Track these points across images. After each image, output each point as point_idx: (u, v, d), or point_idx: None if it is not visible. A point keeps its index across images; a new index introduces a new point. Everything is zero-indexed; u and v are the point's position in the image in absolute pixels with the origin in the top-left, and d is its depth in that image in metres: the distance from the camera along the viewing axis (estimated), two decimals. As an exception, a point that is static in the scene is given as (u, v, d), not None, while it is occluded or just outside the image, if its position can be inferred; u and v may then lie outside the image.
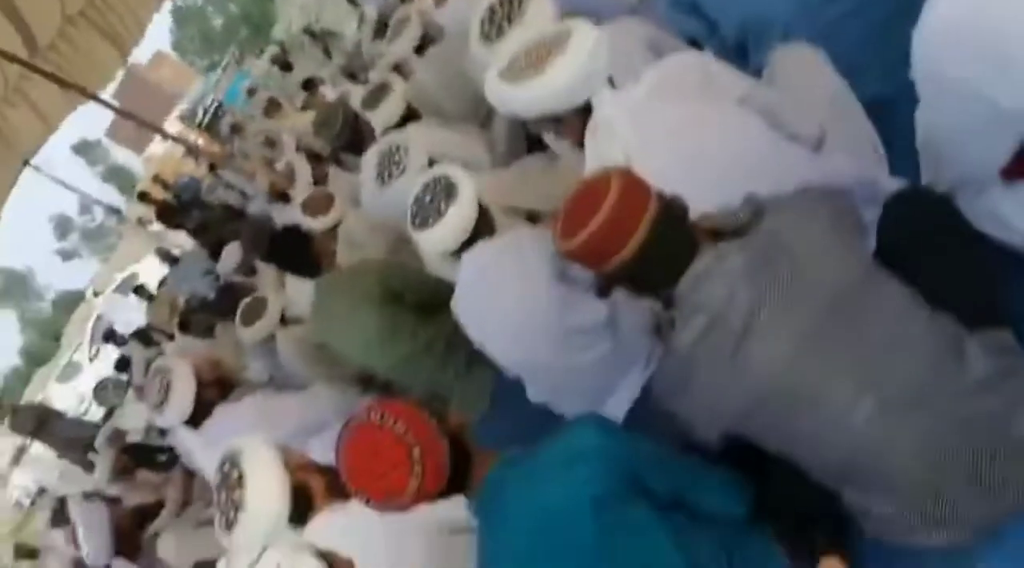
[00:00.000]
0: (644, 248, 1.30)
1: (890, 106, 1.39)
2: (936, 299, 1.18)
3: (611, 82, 1.73)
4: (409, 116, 3.11)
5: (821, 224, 1.26)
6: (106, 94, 9.88)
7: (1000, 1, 1.00)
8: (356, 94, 3.99)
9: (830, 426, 1.17)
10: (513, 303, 1.77)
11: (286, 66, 8.36)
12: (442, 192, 1.93)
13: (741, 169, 1.47)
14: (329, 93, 6.21)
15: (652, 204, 1.32)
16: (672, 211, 1.34)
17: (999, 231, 1.17)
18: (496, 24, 2.01)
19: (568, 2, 2.63)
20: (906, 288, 1.21)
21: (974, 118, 1.08)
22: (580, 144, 1.73)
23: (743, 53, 1.89)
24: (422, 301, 2.50)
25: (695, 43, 2.07)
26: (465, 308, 1.89)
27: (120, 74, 9.33)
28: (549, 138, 1.86)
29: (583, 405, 1.79)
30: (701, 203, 1.43)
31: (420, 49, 3.63)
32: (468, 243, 1.93)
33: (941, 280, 1.21)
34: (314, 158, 4.49)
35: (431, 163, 2.50)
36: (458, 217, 1.91)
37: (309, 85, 6.96)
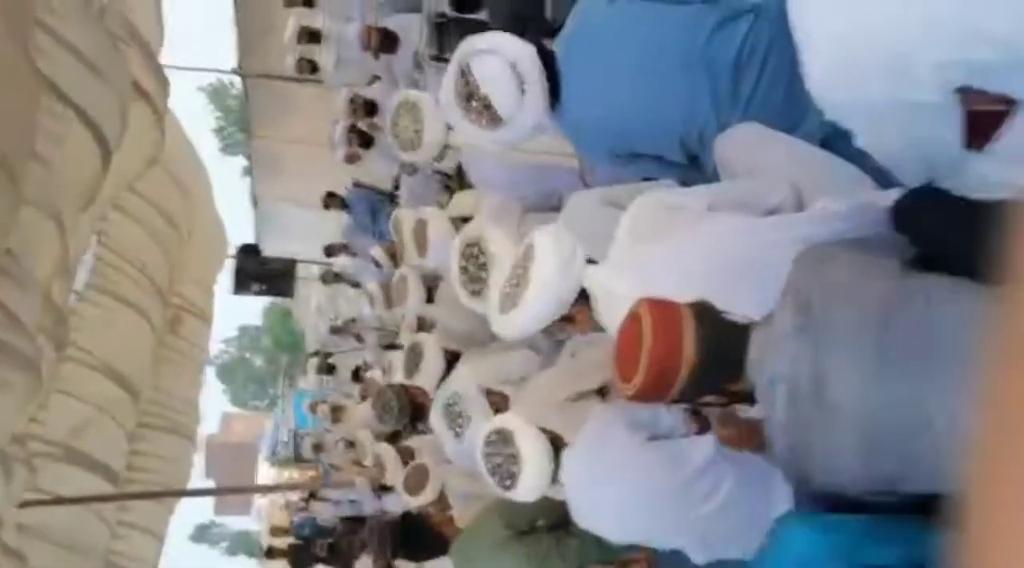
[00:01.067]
0: (700, 350, 1.31)
1: (841, 140, 1.43)
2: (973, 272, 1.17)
3: (592, 262, 1.81)
4: (452, 360, 3.23)
5: (839, 257, 1.28)
6: (196, 474, 10.31)
7: (840, 30, 1.06)
8: (399, 361, 4.16)
9: (945, 439, 1.12)
10: (626, 492, 1.76)
11: (330, 369, 8.77)
12: (506, 449, 2.01)
13: (743, 266, 1.50)
14: (378, 374, 6.44)
15: (684, 311, 1.35)
16: (705, 309, 1.37)
17: (996, 193, 1.17)
18: (473, 278, 2.14)
19: (528, 202, 2.82)
20: (945, 277, 1.21)
21: (901, 124, 1.12)
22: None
23: (695, 161, 1.96)
24: (552, 520, 2.49)
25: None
26: (587, 517, 1.88)
27: (200, 449, 9.81)
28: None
29: (749, 538, 1.72)
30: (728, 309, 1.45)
31: (430, 298, 3.81)
32: (556, 470, 1.97)
33: (973, 257, 1.19)
34: (393, 437, 4.60)
35: (488, 394, 2.57)
36: (532, 469, 2.00)
37: (357, 376, 7.26)
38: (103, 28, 4.50)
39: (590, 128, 2.07)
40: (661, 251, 1.66)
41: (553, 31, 3.94)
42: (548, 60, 2.08)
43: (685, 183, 2.18)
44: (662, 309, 1.33)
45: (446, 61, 5.13)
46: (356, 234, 7.69)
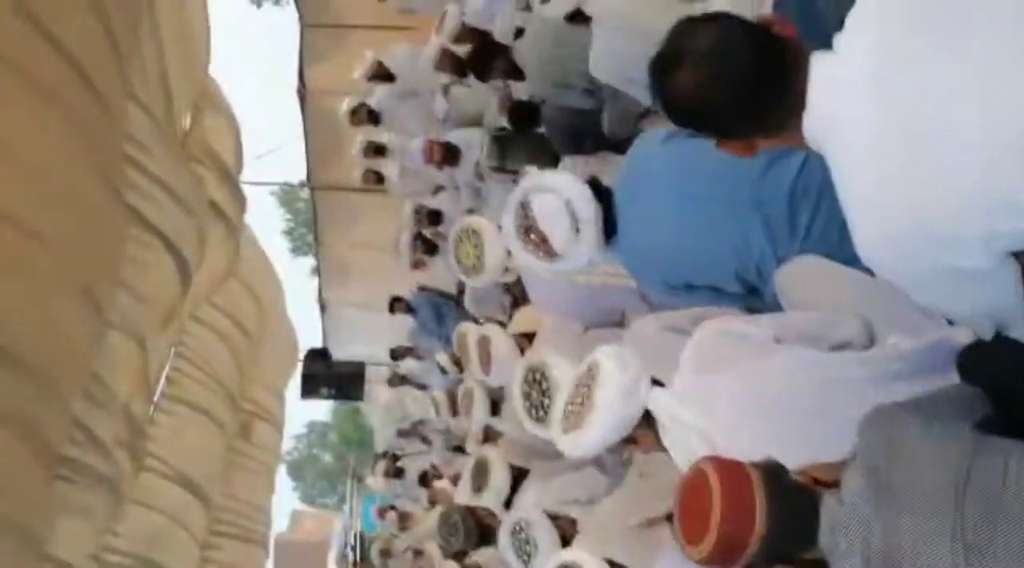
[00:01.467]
0: (771, 523, 1.28)
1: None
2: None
3: (656, 382, 1.81)
4: (519, 476, 3.22)
5: (908, 421, 1.25)
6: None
7: (904, 206, 1.08)
8: (467, 471, 4.16)
9: None
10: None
11: (398, 473, 8.77)
12: None
13: (809, 403, 1.48)
14: (446, 484, 6.43)
15: (754, 475, 1.32)
16: (774, 472, 1.34)
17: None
18: (536, 405, 2.16)
19: (589, 320, 2.85)
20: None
21: (956, 287, 1.12)
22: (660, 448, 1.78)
23: (755, 291, 1.98)
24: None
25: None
26: None
27: (271, 552, 9.82)
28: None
29: None
30: (792, 455, 1.43)
31: (495, 410, 3.83)
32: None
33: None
34: (460, 553, 4.54)
35: (555, 520, 2.56)
36: None
37: (425, 481, 7.26)
38: (185, 156, 4.79)
39: (644, 261, 2.12)
40: (725, 382, 1.66)
41: (609, 145, 4.07)
42: (605, 194, 2.15)
43: (750, 310, 2.20)
44: (731, 475, 1.30)
45: (507, 172, 5.33)
46: (421, 337, 7.79)
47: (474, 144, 5.51)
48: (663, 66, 1.27)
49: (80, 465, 3.30)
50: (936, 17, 1.07)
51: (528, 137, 4.96)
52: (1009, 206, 1.02)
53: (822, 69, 1.18)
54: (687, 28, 1.27)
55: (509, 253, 2.69)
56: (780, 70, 1.21)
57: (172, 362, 6.37)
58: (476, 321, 6.84)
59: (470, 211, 5.61)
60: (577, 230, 2.09)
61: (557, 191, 2.10)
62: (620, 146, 4.05)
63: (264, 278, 7.72)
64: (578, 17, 2.91)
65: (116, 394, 3.79)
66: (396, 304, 7.68)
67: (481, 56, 4.11)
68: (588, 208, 2.08)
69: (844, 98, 1.13)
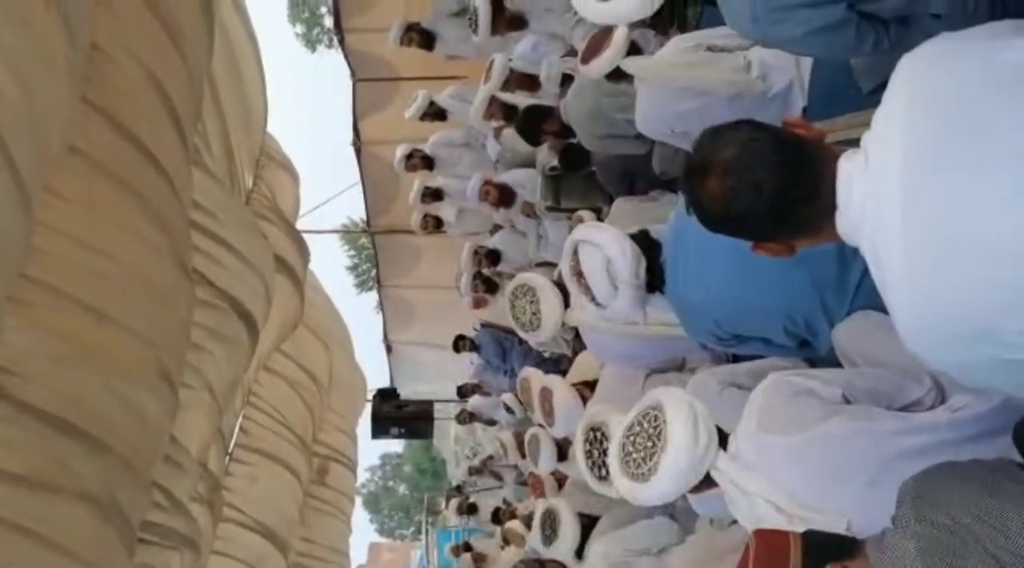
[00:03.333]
0: None
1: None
2: None
3: (721, 434, 1.80)
4: (589, 525, 3.22)
5: (964, 472, 1.23)
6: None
7: (942, 298, 1.09)
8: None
9: None
10: None
11: (471, 509, 8.82)
12: None
13: (869, 475, 1.47)
14: (518, 526, 6.44)
15: (793, 542, 1.35)
16: (815, 543, 1.36)
17: None
18: (598, 463, 2.17)
19: (650, 367, 2.85)
20: None
21: (1000, 377, 1.12)
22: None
23: (806, 344, 1.97)
24: None
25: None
26: None
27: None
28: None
29: None
30: (860, 522, 1.42)
31: (562, 455, 3.84)
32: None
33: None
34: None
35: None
36: None
37: (497, 517, 7.28)
38: (249, 214, 4.94)
39: (692, 312, 2.13)
40: (786, 445, 1.65)
41: (662, 184, 4.07)
42: (652, 247, 2.17)
43: (809, 362, 2.18)
44: (770, 539, 1.33)
45: (562, 210, 5.37)
46: (487, 373, 7.85)
47: (528, 184, 5.58)
48: (691, 177, 1.30)
49: (160, 527, 3.41)
50: (963, 124, 1.08)
51: (580, 176, 5.00)
52: None
53: (851, 169, 1.19)
54: (713, 137, 1.29)
55: (566, 306, 2.73)
56: (807, 174, 1.22)
57: (245, 412, 6.52)
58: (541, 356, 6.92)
59: (537, 265, 5.70)
60: (616, 288, 2.11)
61: (601, 248, 2.14)
62: (672, 184, 4.07)
63: (331, 324, 7.87)
64: (619, 74, 2.94)
65: (192, 453, 3.90)
66: (460, 342, 7.77)
67: (530, 122, 4.18)
68: (627, 270, 2.12)
69: (874, 200, 1.14)
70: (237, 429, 6.42)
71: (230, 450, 6.26)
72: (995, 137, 1.05)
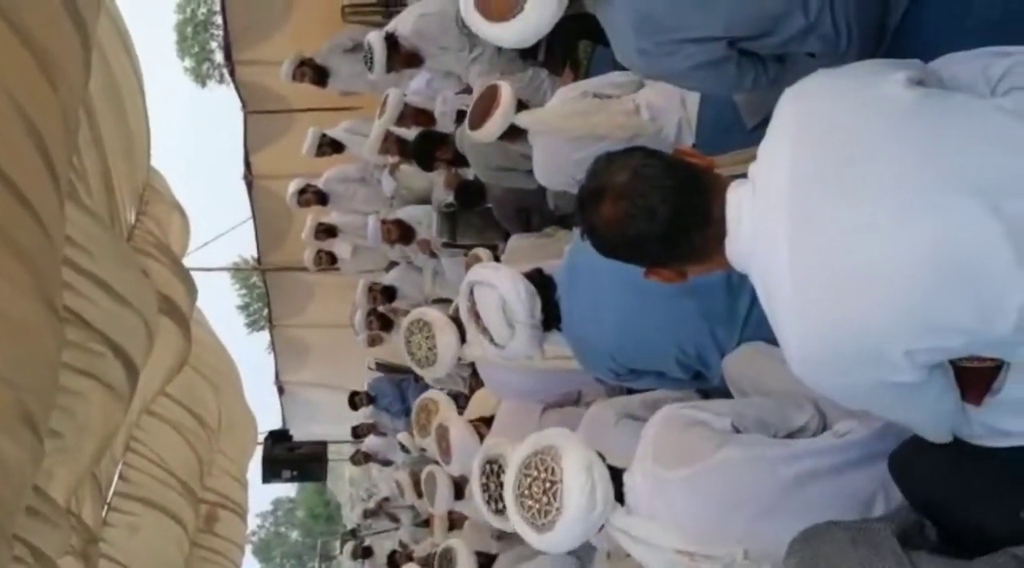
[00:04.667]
0: None
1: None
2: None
3: (615, 471, 1.78)
4: (486, 564, 3.18)
5: (842, 537, 1.25)
6: None
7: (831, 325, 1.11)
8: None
9: None
10: None
11: (367, 553, 8.60)
12: None
13: (771, 500, 1.49)
14: (416, 557, 6.33)
15: None
16: None
17: (1002, 441, 1.17)
18: (494, 497, 2.14)
19: (547, 402, 2.84)
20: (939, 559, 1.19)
21: (889, 399, 1.15)
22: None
23: (700, 376, 2.00)
24: None
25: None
26: None
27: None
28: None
29: None
30: (756, 549, 1.43)
31: (459, 493, 3.78)
32: None
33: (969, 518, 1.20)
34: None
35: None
36: None
37: (392, 561, 7.14)
38: (130, 251, 4.72)
39: (587, 348, 2.14)
40: (682, 477, 1.65)
41: (556, 220, 4.11)
42: (547, 285, 2.17)
43: (703, 393, 2.21)
44: None
45: (458, 247, 5.36)
46: (382, 414, 7.71)
47: (425, 220, 5.55)
48: (586, 202, 1.31)
49: (27, 584, 3.16)
50: (846, 155, 1.12)
51: (476, 213, 5.01)
52: (923, 326, 1.06)
53: (739, 197, 1.21)
54: (606, 163, 1.30)
55: (462, 341, 2.70)
56: (699, 200, 1.25)
57: (126, 459, 6.18)
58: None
59: (433, 301, 5.65)
60: (512, 327, 2.11)
61: (496, 289, 2.13)
62: (567, 220, 4.12)
63: (220, 364, 7.58)
64: (513, 132, 2.96)
65: (60, 504, 3.65)
66: (356, 398, 7.60)
67: (424, 147, 4.16)
68: (522, 310, 2.12)
69: (762, 228, 1.17)
70: (117, 477, 6.08)
71: (108, 499, 5.91)
72: (876, 167, 1.08)
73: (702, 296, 1.86)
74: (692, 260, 1.31)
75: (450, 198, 4.92)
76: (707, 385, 2.07)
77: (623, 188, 1.25)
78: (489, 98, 2.99)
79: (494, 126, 2.95)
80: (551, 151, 2.95)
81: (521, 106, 3.00)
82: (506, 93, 2.94)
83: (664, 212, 1.23)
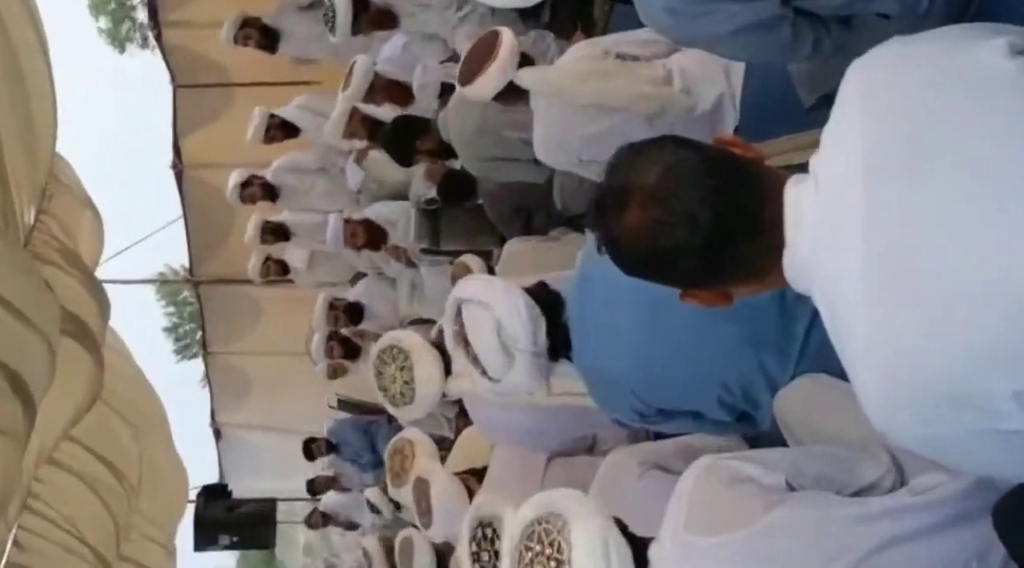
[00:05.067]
0: None
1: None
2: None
3: (640, 543, 1.79)
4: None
5: None
6: None
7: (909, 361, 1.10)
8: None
9: None
10: None
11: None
12: None
13: (831, 562, 1.49)
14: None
15: None
16: None
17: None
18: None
19: (553, 449, 2.86)
20: None
21: (988, 450, 1.14)
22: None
23: (746, 417, 2.00)
24: None
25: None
26: None
27: None
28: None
29: None
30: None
31: (441, 565, 3.77)
32: None
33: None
34: None
35: None
36: None
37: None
38: (28, 259, 4.73)
39: (604, 382, 2.14)
40: (722, 545, 1.65)
41: (564, 221, 4.13)
42: (554, 304, 2.17)
43: (748, 439, 2.21)
44: None
45: (441, 253, 5.37)
46: (347, 465, 7.71)
47: (400, 221, 5.57)
48: (605, 207, 1.29)
49: None
50: (932, 137, 1.11)
51: (464, 211, 5.03)
52: None
53: (799, 197, 1.21)
54: (631, 157, 1.30)
55: (447, 374, 2.70)
56: (747, 202, 1.24)
57: (21, 520, 6.17)
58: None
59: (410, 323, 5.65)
60: (510, 356, 2.11)
61: (489, 308, 2.13)
62: (578, 221, 4.13)
63: (141, 401, 7.57)
64: (512, 91, 2.96)
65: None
66: (312, 446, 7.58)
67: (400, 136, 4.17)
68: (522, 335, 2.10)
69: (828, 234, 1.17)
70: (10, 543, 6.06)
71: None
72: (974, 156, 1.08)
73: (749, 318, 1.85)
74: (740, 279, 1.30)
75: (432, 192, 4.94)
76: (754, 429, 2.06)
77: (653, 189, 1.24)
78: (486, 47, 2.99)
79: (489, 82, 2.96)
80: (555, 120, 2.95)
81: (525, 61, 3.00)
82: (507, 41, 2.94)
83: (705, 219, 1.22)
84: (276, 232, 6.56)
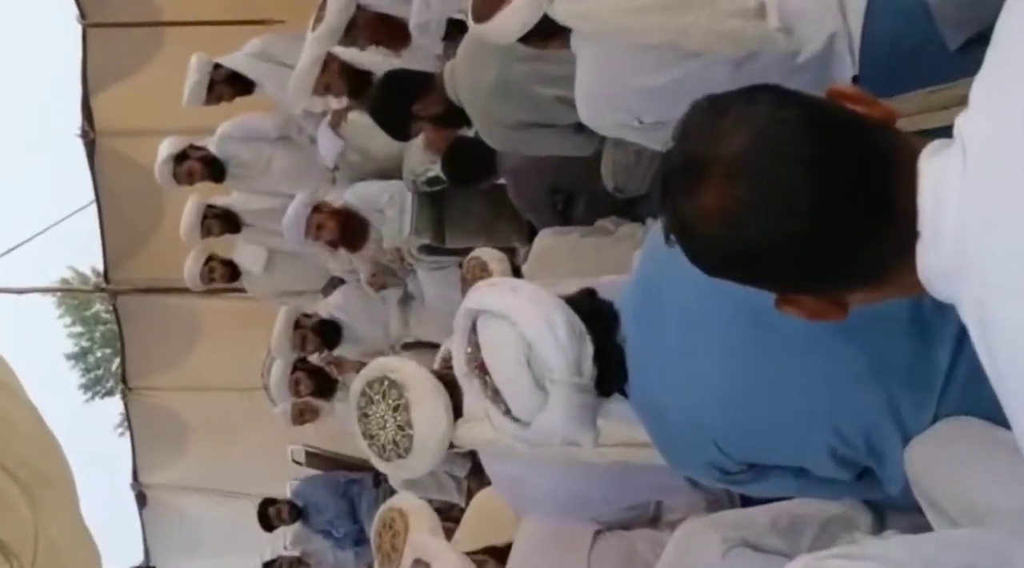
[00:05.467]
0: None
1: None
2: None
3: None
4: None
5: None
6: None
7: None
8: None
9: None
10: None
11: None
12: None
13: None
14: None
15: None
16: None
17: None
18: None
19: (604, 521, 2.87)
20: None
21: None
22: None
23: (867, 474, 2.00)
24: None
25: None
26: None
27: None
28: None
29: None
30: None
31: None
32: None
33: None
34: None
35: None
36: None
37: None
38: None
39: (676, 429, 2.13)
40: None
41: (617, 207, 4.14)
42: (606, 319, 2.17)
43: (872, 508, 2.22)
44: None
45: (448, 253, 5.37)
46: (317, 539, 7.73)
47: (389, 208, 5.58)
48: (676, 181, 1.32)
49: None
50: None
51: (479, 194, 5.04)
52: None
53: (940, 171, 1.22)
54: (712, 113, 1.31)
55: (456, 415, 2.72)
56: (869, 178, 1.25)
57: None
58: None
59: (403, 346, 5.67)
60: (542, 389, 2.10)
61: (514, 323, 2.11)
62: (636, 207, 4.14)
63: (37, 458, 7.61)
64: (545, 29, 2.96)
65: None
66: (271, 509, 7.56)
67: (393, 97, 4.17)
68: (561, 360, 2.07)
69: (978, 222, 1.17)
70: None
71: None
72: None
73: (874, 339, 1.84)
74: (855, 282, 1.32)
75: (435, 169, 4.95)
76: (879, 493, 2.06)
77: (739, 160, 1.26)
78: None
79: (514, 17, 2.96)
80: (606, 69, 2.96)
81: None
82: None
83: (806, 202, 1.23)
84: (222, 221, 6.59)
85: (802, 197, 1.24)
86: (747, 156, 1.26)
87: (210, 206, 6.61)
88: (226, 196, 6.74)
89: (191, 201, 6.64)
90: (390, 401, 2.73)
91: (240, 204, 6.66)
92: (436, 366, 3.80)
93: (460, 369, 2.30)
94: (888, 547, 1.78)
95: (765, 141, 1.26)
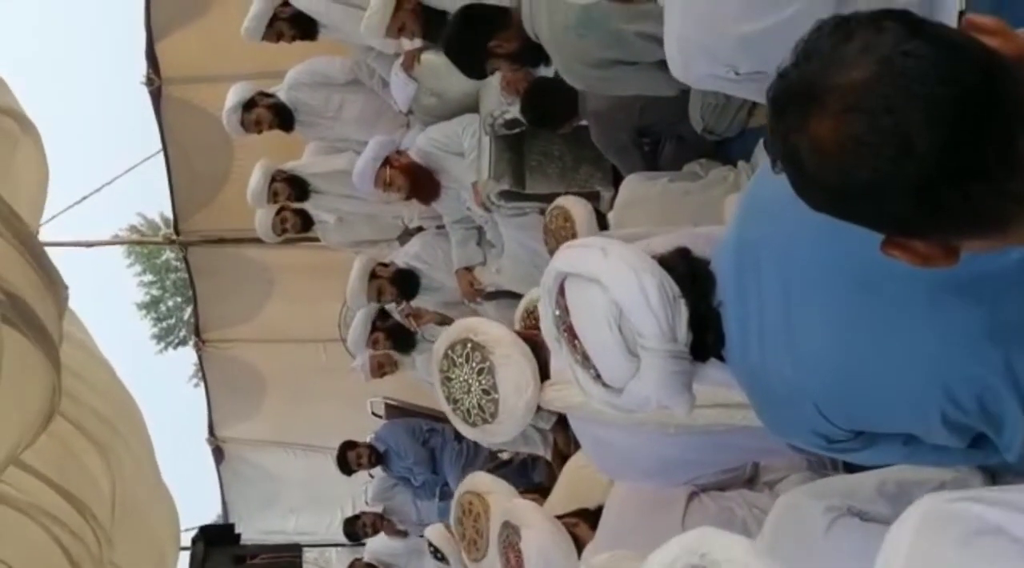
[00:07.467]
0: None
1: None
2: None
3: None
4: None
5: None
6: None
7: None
8: None
9: None
10: None
11: None
12: None
13: None
14: None
15: None
16: None
17: None
18: None
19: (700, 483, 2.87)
20: None
21: None
22: None
23: (984, 443, 1.98)
24: None
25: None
26: None
27: None
28: None
29: None
30: None
31: None
32: None
33: None
34: None
35: None
36: None
37: None
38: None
39: (778, 395, 2.10)
40: None
41: (708, 149, 4.11)
42: (701, 279, 2.15)
43: (989, 472, 2.19)
44: None
45: (529, 198, 5.37)
46: (397, 493, 7.80)
47: (465, 143, 5.58)
48: (787, 107, 1.30)
49: None
50: None
51: (561, 138, 5.02)
52: None
53: None
54: (834, 38, 1.29)
55: (544, 378, 2.72)
56: (1000, 121, 1.23)
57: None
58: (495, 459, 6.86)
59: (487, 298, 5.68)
60: (634, 356, 2.10)
61: (605, 286, 2.11)
62: (726, 149, 4.11)
63: (113, 412, 7.74)
64: None
65: None
66: (351, 453, 7.62)
67: (468, 35, 4.16)
68: (654, 326, 2.08)
69: None
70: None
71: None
72: None
73: (988, 299, 1.82)
74: (974, 227, 1.31)
75: (513, 111, 4.93)
76: (996, 460, 2.03)
77: (858, 91, 1.24)
78: None
79: None
80: (699, 9, 2.92)
81: None
82: None
83: (927, 146, 1.21)
84: (290, 186, 6.63)
85: (921, 141, 1.22)
86: (867, 89, 1.24)
87: (279, 171, 6.65)
88: (294, 161, 6.78)
89: (258, 166, 6.72)
90: (474, 364, 2.74)
91: (308, 169, 6.69)
92: (518, 318, 3.82)
93: (548, 331, 2.30)
94: (1012, 493, 1.76)
95: (888, 75, 1.24)
